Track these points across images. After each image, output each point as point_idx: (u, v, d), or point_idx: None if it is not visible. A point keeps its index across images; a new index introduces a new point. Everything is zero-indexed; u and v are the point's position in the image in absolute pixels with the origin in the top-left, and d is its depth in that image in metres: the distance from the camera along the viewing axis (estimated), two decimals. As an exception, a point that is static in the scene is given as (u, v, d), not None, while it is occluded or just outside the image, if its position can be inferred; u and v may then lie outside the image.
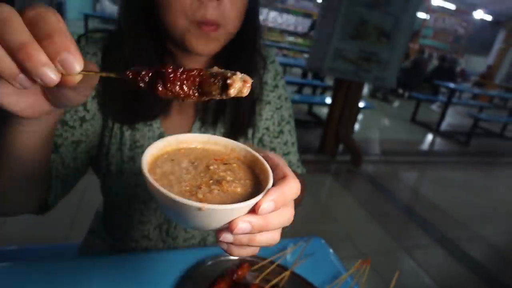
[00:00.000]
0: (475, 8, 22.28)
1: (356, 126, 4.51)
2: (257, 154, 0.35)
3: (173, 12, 0.52)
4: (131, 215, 0.69)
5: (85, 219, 0.94)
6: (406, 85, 8.92)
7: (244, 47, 0.64)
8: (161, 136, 0.63)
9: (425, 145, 5.07)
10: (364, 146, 3.92)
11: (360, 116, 4.72)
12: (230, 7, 0.54)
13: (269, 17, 12.99)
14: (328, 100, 4.14)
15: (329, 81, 7.89)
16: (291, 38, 16.39)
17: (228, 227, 0.29)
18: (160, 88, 0.29)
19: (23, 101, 0.30)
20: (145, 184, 0.30)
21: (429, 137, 5.45)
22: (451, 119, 7.38)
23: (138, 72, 0.30)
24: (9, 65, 0.25)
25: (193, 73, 0.29)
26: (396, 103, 8.10)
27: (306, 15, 22.24)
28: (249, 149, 0.36)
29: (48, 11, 0.26)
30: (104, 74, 0.30)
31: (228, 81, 0.29)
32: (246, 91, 0.29)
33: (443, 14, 23.51)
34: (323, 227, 2.33)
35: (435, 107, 8.60)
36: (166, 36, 0.60)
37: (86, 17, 6.68)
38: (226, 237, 0.30)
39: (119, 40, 0.59)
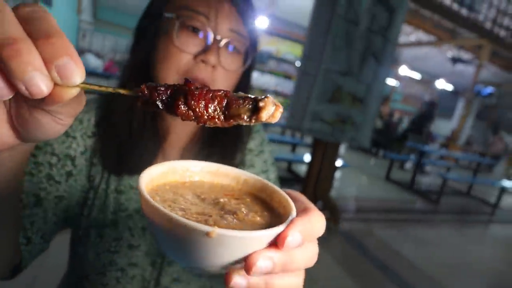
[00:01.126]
0: (436, 78, 24.49)
1: (334, 184, 4.63)
2: (274, 186, 0.30)
3: (167, 66, 0.54)
4: (106, 283, 0.61)
5: (48, 284, 0.85)
6: (379, 144, 9.38)
7: (239, 130, 0.65)
8: None
9: (400, 203, 5.21)
10: (341, 203, 4.00)
11: (337, 174, 4.86)
12: (224, 74, 0.56)
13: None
14: (307, 158, 4.28)
15: (308, 139, 8.21)
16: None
17: (244, 265, 0.23)
18: (181, 107, 0.25)
19: None
20: (141, 205, 0.24)
21: (403, 195, 5.62)
22: (422, 178, 7.70)
23: (156, 88, 0.25)
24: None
25: (219, 93, 0.26)
26: (372, 162, 8.41)
27: (286, 77, 23.52)
28: (264, 180, 0.31)
29: (45, 10, 0.22)
30: (112, 90, 0.26)
31: (261, 104, 0.25)
32: (277, 116, 0.26)
33: (410, 82, 25.60)
34: None
35: (408, 166, 8.98)
36: None
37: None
38: (238, 281, 0.23)
39: (114, 98, 0.59)
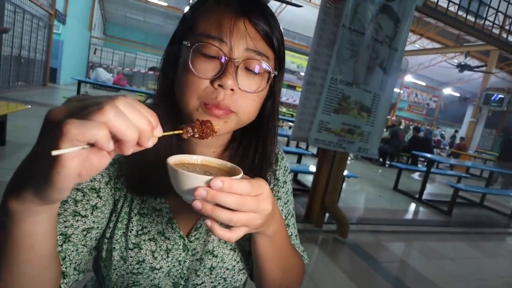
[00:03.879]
0: (442, 85, 24.39)
1: (341, 195, 4.57)
2: (239, 168, 0.47)
3: (188, 94, 0.54)
4: None
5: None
6: (386, 154, 9.29)
7: (259, 138, 0.64)
8: (170, 221, 0.62)
9: (409, 214, 5.11)
10: (349, 214, 3.93)
11: (344, 185, 4.81)
12: (245, 98, 0.55)
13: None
14: (313, 168, 4.24)
15: (313, 149, 8.19)
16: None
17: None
18: (202, 134, 0.48)
19: (72, 182, 0.30)
20: (184, 208, 0.43)
21: (412, 206, 5.52)
22: (431, 188, 7.57)
23: (187, 128, 0.47)
24: (137, 137, 0.33)
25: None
26: (379, 171, 8.32)
27: (290, 86, 23.70)
28: (235, 166, 0.48)
29: (139, 102, 0.35)
30: (171, 133, 0.45)
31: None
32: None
33: (415, 90, 25.55)
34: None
35: (415, 176, 8.86)
36: (182, 118, 0.61)
37: (79, 83, 6.95)
38: (196, 203, 0.40)
39: None
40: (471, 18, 4.10)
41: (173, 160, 0.46)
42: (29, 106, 4.58)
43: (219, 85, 0.52)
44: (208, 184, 0.40)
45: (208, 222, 0.42)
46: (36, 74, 11.27)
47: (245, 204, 0.41)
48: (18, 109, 4.21)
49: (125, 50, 20.20)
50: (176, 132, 0.46)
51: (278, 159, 0.75)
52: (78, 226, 0.56)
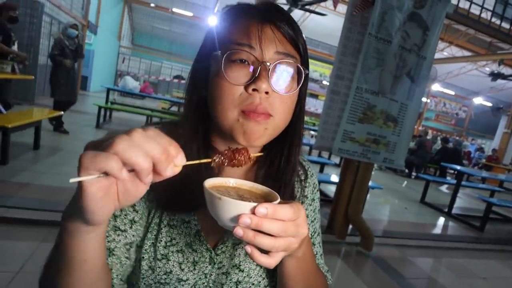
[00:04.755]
0: (473, 94, 23.48)
1: (365, 206, 4.46)
2: (276, 193, 0.47)
3: (224, 103, 0.54)
4: None
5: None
6: (412, 165, 8.99)
7: (284, 143, 0.64)
8: (197, 233, 0.63)
9: (437, 229, 4.90)
10: (373, 227, 3.82)
11: (368, 196, 4.68)
12: (279, 100, 0.55)
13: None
14: (335, 178, 4.17)
15: (335, 159, 8.06)
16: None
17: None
18: (234, 161, 0.47)
19: (103, 207, 0.35)
20: (211, 221, 0.44)
21: (441, 220, 5.30)
22: (461, 201, 7.25)
23: (218, 156, 0.47)
24: (151, 166, 0.34)
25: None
26: (404, 183, 8.07)
27: (312, 95, 23.57)
28: (272, 190, 0.48)
29: (159, 131, 0.37)
30: (198, 162, 0.44)
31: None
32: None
33: (443, 99, 24.72)
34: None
35: (444, 188, 8.52)
36: (215, 130, 0.62)
37: (108, 90, 7.23)
38: (238, 231, 0.39)
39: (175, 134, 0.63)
40: (505, 25, 3.93)
41: (208, 184, 0.45)
42: (62, 113, 4.79)
43: (254, 89, 0.53)
44: (251, 211, 0.39)
45: (248, 249, 0.42)
46: (69, 82, 11.80)
47: (287, 230, 0.41)
48: (52, 114, 4.42)
49: (151, 59, 20.81)
50: (203, 161, 0.46)
51: (307, 175, 0.74)
52: (120, 240, 0.58)
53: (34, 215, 2.50)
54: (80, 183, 0.33)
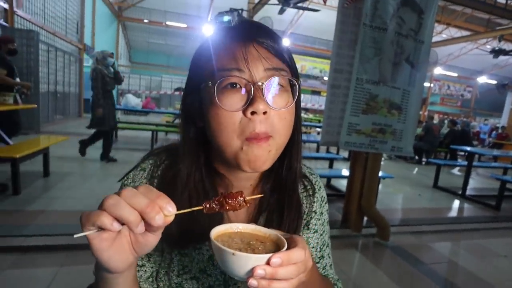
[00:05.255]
0: (476, 74, 23.21)
1: (378, 197, 4.42)
2: (281, 237, 0.47)
3: (226, 133, 0.53)
4: None
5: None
6: (421, 151, 8.91)
7: (285, 153, 0.63)
8: (210, 258, 0.63)
9: (453, 212, 4.84)
10: (389, 216, 3.78)
11: (380, 186, 4.64)
12: (278, 118, 0.54)
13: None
14: (345, 172, 4.15)
15: (344, 153, 8.01)
16: (302, 114, 17.11)
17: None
18: (227, 207, 0.46)
19: (116, 257, 0.40)
20: (209, 246, 0.45)
21: (456, 203, 5.23)
22: (475, 182, 7.15)
23: (209, 201, 0.47)
24: (137, 217, 0.38)
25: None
26: (415, 170, 7.99)
27: (314, 92, 23.51)
28: (279, 233, 0.48)
29: (148, 186, 0.41)
30: (190, 210, 0.45)
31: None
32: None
33: (446, 82, 24.48)
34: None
35: (456, 171, 8.42)
36: (217, 157, 0.61)
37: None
38: (252, 282, 0.40)
39: (175, 163, 0.62)
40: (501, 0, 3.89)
41: (214, 234, 0.45)
42: (69, 137, 4.86)
43: (252, 112, 0.52)
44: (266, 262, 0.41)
45: None
46: (72, 106, 11.95)
47: (299, 271, 0.43)
48: (58, 140, 4.48)
49: (150, 74, 20.99)
50: (195, 209, 0.46)
51: (315, 190, 0.73)
52: (141, 276, 0.61)
53: (51, 240, 2.53)
54: (87, 238, 0.39)
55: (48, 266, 2.23)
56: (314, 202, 0.72)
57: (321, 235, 0.74)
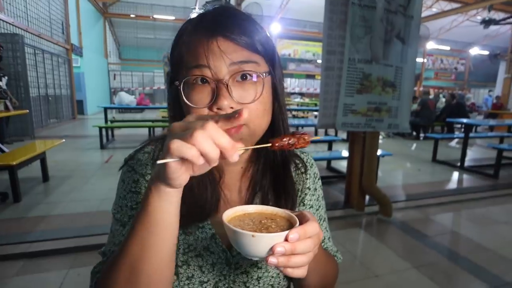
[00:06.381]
0: (468, 46, 23.10)
1: (378, 175, 4.45)
2: (291, 213, 0.49)
3: None
4: None
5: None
6: (418, 127, 8.94)
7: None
8: (213, 236, 0.65)
9: (453, 184, 4.90)
10: (390, 193, 3.82)
11: (380, 164, 4.67)
12: (249, 109, 0.54)
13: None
14: (345, 153, 4.16)
15: (342, 134, 8.03)
16: (297, 99, 17.07)
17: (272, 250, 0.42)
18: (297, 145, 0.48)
19: (182, 177, 0.41)
20: (225, 229, 0.45)
21: (455, 175, 5.29)
22: (473, 153, 7.21)
23: (278, 141, 0.47)
24: (218, 155, 0.38)
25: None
26: (413, 146, 8.03)
27: (309, 76, 23.40)
28: (287, 211, 0.50)
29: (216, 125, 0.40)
30: (257, 147, 0.50)
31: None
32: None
33: (439, 56, 24.38)
34: (365, 285, 2.19)
35: (454, 144, 8.47)
36: None
37: (105, 110, 7.23)
38: (272, 260, 0.41)
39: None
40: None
41: (227, 216, 0.47)
42: (64, 140, 4.83)
43: (218, 109, 0.53)
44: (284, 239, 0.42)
45: (281, 268, 0.44)
46: (65, 109, 11.83)
47: (315, 243, 0.45)
48: (54, 144, 4.46)
49: (142, 70, 20.79)
50: (264, 146, 0.48)
51: (307, 167, 0.75)
52: None
53: (57, 244, 2.54)
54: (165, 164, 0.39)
55: (57, 270, 2.25)
56: (307, 179, 0.74)
57: (317, 210, 0.76)
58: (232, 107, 0.53)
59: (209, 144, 0.38)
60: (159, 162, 0.39)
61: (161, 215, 0.46)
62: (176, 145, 0.38)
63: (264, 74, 0.56)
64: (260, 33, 0.57)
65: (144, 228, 0.47)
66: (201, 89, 0.54)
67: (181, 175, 0.41)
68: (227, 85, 0.53)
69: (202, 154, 0.38)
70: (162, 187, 0.44)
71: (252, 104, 0.55)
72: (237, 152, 0.39)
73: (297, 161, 0.74)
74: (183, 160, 0.39)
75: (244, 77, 0.55)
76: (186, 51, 0.56)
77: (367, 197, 3.50)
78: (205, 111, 0.54)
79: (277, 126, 0.63)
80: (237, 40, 0.54)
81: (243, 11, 0.59)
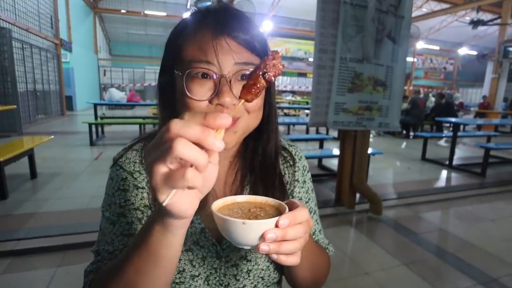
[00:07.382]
0: (457, 46, 23.42)
1: (369, 173, 4.50)
2: (280, 202, 0.49)
3: None
4: None
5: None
6: (408, 125, 9.05)
7: (262, 134, 0.67)
8: (202, 231, 0.65)
9: (441, 182, 4.97)
10: (380, 191, 3.87)
11: (370, 163, 4.72)
12: (246, 105, 0.56)
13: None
14: (336, 151, 4.19)
15: (333, 132, 8.08)
16: (289, 97, 17.10)
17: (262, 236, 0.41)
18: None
19: (187, 203, 0.37)
20: (214, 218, 0.44)
21: (444, 173, 5.37)
22: (461, 152, 7.33)
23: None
24: (206, 158, 0.34)
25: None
26: (403, 144, 8.13)
27: (300, 74, 23.45)
28: (276, 200, 0.50)
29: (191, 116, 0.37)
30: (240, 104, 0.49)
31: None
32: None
33: (429, 55, 24.69)
34: (355, 282, 2.22)
35: (442, 142, 8.60)
36: None
37: (95, 106, 7.15)
38: (263, 247, 0.41)
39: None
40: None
41: (216, 206, 0.47)
42: (52, 137, 4.75)
43: (219, 104, 0.54)
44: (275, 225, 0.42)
45: (274, 256, 0.43)
46: (53, 104, 11.64)
47: (306, 229, 0.44)
48: (42, 141, 4.38)
49: (133, 67, 20.57)
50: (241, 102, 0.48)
51: (295, 160, 0.76)
52: None
53: (45, 242, 2.51)
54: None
55: (45, 268, 2.22)
56: (295, 171, 0.75)
57: (306, 202, 0.76)
58: (234, 104, 0.54)
59: (194, 153, 0.32)
60: (165, 203, 0.35)
61: (165, 250, 0.44)
62: (160, 182, 0.34)
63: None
64: (259, 35, 0.59)
65: (142, 261, 0.46)
66: (202, 83, 0.55)
67: (189, 204, 0.37)
68: (230, 83, 0.55)
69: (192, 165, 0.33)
70: (169, 221, 0.40)
71: (248, 104, 0.56)
72: (217, 139, 0.33)
73: (285, 154, 0.75)
74: (187, 191, 0.35)
75: (244, 77, 0.56)
76: (191, 45, 0.56)
77: (357, 195, 3.53)
78: (205, 104, 0.55)
79: (267, 121, 0.65)
80: (242, 42, 0.56)
81: (242, 11, 0.60)
